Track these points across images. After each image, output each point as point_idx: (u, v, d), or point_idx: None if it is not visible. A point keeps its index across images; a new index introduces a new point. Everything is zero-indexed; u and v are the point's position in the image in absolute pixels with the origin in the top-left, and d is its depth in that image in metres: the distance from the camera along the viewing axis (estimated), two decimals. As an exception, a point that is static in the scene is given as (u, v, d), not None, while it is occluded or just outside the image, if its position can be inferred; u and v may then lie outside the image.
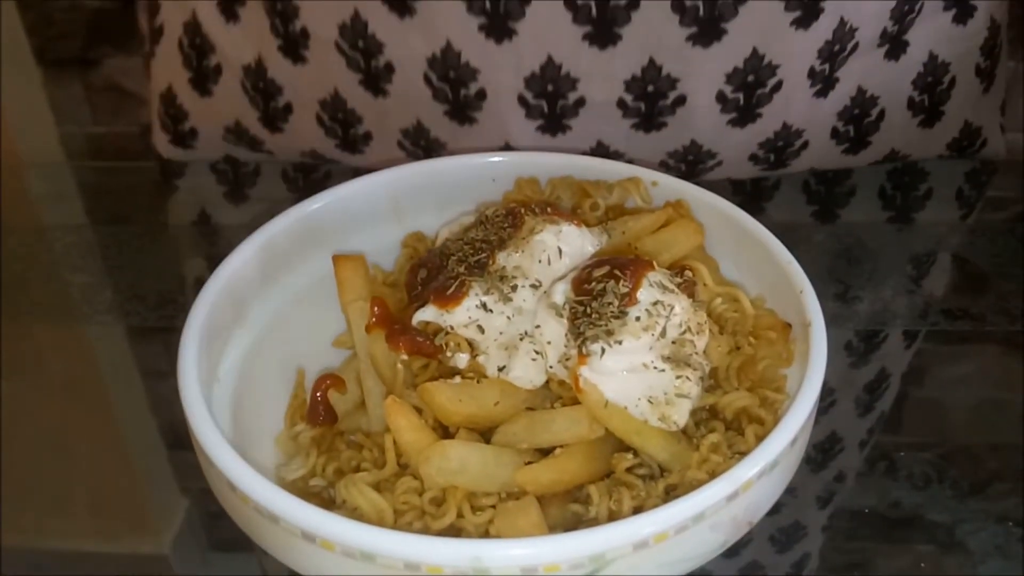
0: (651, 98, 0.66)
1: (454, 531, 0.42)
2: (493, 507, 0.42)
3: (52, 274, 0.70)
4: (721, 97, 0.66)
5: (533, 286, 0.48)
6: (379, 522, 0.41)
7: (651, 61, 0.64)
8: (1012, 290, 0.64)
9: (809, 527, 0.51)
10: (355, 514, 0.42)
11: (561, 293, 0.46)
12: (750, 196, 0.72)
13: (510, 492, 0.43)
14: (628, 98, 0.66)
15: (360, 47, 0.66)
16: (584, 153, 0.68)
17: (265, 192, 0.76)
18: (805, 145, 0.70)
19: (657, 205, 0.56)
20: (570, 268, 0.49)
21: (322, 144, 0.73)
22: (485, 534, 0.42)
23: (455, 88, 0.66)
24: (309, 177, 0.77)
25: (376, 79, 0.67)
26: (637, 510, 0.42)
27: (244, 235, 0.53)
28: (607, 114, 0.67)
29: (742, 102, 0.66)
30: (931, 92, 0.72)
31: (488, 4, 0.62)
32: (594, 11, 0.62)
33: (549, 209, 0.52)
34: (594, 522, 0.42)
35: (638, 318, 0.44)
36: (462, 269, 0.49)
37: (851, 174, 0.75)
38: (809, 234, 0.69)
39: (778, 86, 0.66)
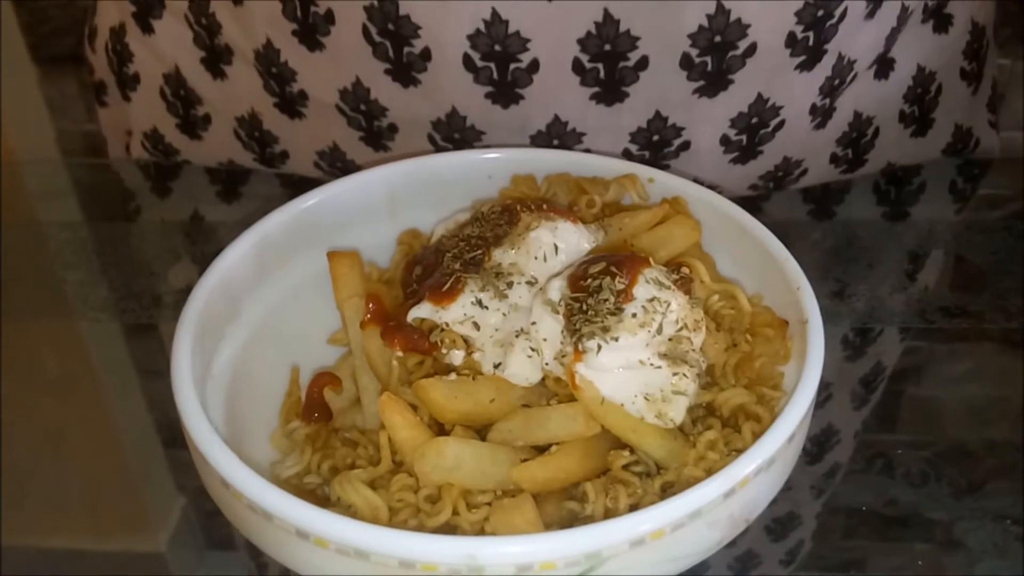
0: (656, 146, 0.66)
1: (449, 529, 0.42)
2: (488, 505, 0.42)
3: (47, 271, 0.70)
4: (725, 140, 0.66)
5: (529, 283, 0.48)
6: (374, 520, 0.41)
7: (657, 114, 0.64)
8: (1010, 287, 0.63)
9: (804, 524, 0.51)
10: (350, 512, 0.42)
11: (557, 290, 0.46)
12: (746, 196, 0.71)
13: (506, 490, 0.43)
14: (633, 148, 0.66)
15: (363, 110, 0.67)
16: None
17: (260, 190, 0.75)
18: (804, 172, 0.71)
19: (654, 202, 0.56)
20: (566, 265, 0.49)
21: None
22: (480, 532, 0.41)
23: (459, 146, 0.67)
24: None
25: (379, 137, 0.68)
26: (633, 508, 0.41)
27: (238, 232, 0.53)
28: None
29: (745, 143, 0.67)
30: (920, 103, 0.72)
31: (495, 74, 0.63)
32: (602, 73, 0.62)
33: (545, 206, 0.52)
34: (590, 520, 0.42)
35: (634, 315, 0.44)
36: (458, 266, 0.49)
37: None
38: (805, 231, 0.69)
39: (780, 125, 0.66)
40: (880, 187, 0.74)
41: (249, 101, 0.71)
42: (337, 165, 0.71)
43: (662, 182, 0.56)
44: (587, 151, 0.66)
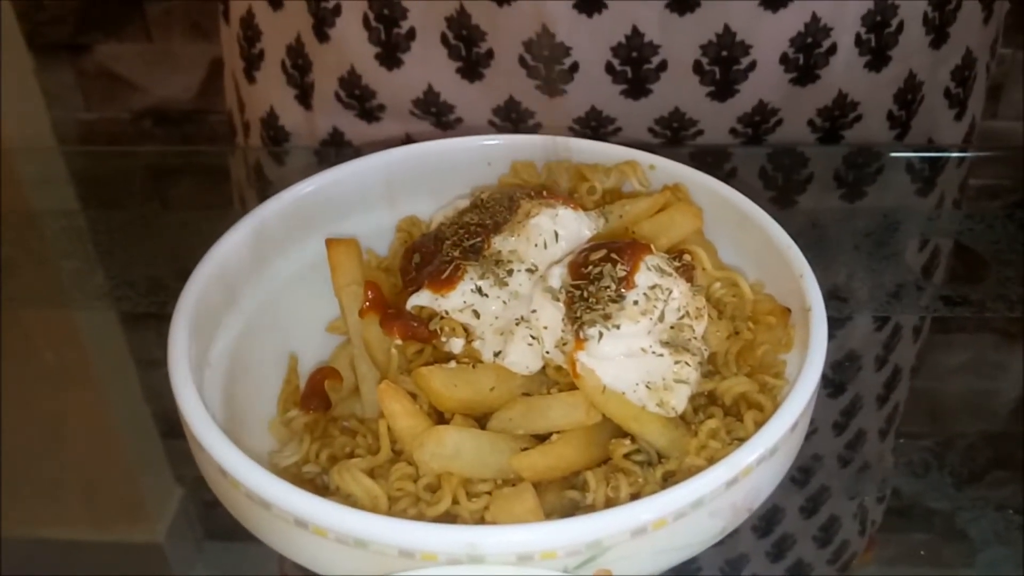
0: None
1: (449, 518, 0.41)
2: (489, 494, 0.42)
3: (43, 260, 0.69)
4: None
5: (529, 270, 0.47)
6: (373, 509, 0.41)
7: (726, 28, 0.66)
8: (1011, 277, 0.63)
9: (807, 512, 0.51)
10: (349, 501, 0.41)
11: (557, 277, 0.46)
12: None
13: (506, 479, 0.42)
14: (704, 61, 0.68)
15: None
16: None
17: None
18: (833, 49, 0.70)
19: (655, 189, 0.55)
20: (567, 252, 0.48)
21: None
22: (480, 521, 0.41)
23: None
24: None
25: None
26: (634, 497, 0.41)
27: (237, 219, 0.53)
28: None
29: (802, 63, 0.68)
30: (941, 10, 0.71)
31: None
32: None
33: (545, 192, 0.52)
34: (591, 509, 0.42)
35: (636, 302, 0.44)
36: (457, 253, 0.48)
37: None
38: (808, 219, 0.69)
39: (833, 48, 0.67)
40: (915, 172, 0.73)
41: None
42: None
43: (663, 168, 0.55)
44: (664, 63, 0.67)
